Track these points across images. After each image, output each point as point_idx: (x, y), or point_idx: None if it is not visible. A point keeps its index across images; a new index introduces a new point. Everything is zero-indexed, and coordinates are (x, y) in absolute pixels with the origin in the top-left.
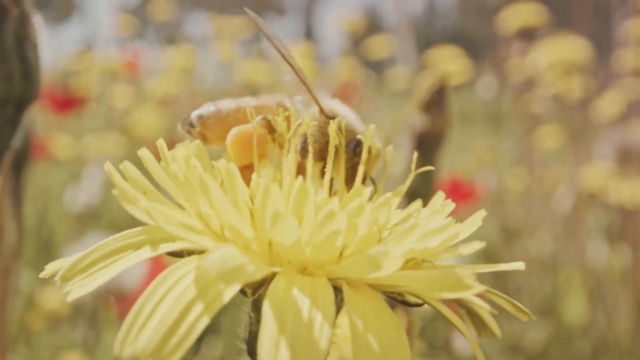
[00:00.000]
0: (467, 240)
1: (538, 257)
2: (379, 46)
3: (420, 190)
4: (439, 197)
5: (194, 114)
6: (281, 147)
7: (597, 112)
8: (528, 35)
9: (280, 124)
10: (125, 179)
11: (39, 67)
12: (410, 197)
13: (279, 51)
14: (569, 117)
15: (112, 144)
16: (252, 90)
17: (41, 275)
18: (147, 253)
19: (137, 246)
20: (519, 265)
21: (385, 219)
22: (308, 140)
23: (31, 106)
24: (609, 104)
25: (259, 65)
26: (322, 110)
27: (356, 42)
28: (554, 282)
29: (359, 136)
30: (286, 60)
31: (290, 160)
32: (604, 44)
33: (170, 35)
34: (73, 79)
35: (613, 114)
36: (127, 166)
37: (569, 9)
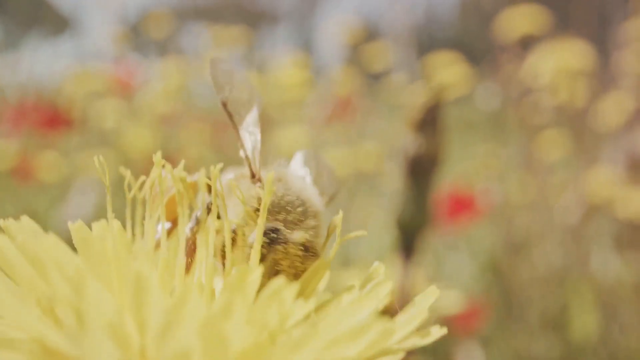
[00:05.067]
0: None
1: (544, 270)
2: (377, 55)
3: (415, 221)
4: (378, 269)
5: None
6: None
7: (601, 119)
8: (529, 40)
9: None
10: None
11: None
12: (404, 228)
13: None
14: (572, 124)
15: (103, 163)
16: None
17: None
18: None
19: None
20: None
21: (280, 319)
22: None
23: None
24: (613, 110)
25: (256, 79)
26: (253, 174)
27: (354, 50)
28: (562, 296)
29: (278, 225)
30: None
31: (180, 232)
32: (603, 46)
33: (165, 48)
34: (64, 96)
35: (618, 121)
36: None
37: (567, 10)
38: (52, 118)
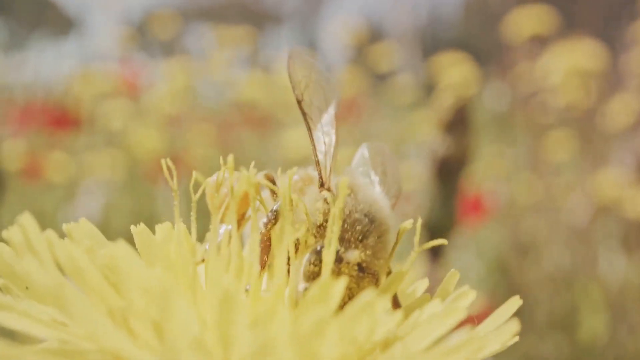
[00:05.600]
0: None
1: (552, 271)
2: (382, 55)
3: (442, 223)
4: (452, 277)
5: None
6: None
7: (608, 119)
8: (537, 40)
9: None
10: None
11: None
12: (431, 231)
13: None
14: (580, 125)
15: (110, 164)
16: (253, 105)
17: None
18: None
19: None
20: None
21: (367, 333)
22: (271, 218)
23: None
24: (621, 111)
25: (261, 80)
26: (322, 182)
27: (358, 51)
28: (569, 297)
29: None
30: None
31: (253, 243)
32: (610, 47)
33: (170, 48)
34: (71, 96)
35: (626, 122)
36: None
37: (574, 10)
38: (59, 118)
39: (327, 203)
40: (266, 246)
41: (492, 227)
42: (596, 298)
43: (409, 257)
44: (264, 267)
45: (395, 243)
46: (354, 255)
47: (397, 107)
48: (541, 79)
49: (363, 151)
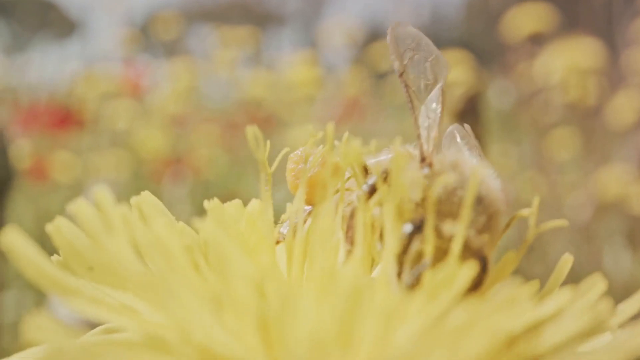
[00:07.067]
0: None
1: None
2: (383, 54)
3: None
4: (566, 263)
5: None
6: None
7: (611, 117)
8: (537, 39)
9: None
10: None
11: None
12: None
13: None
14: (583, 123)
15: (115, 164)
16: (257, 104)
17: None
18: None
19: None
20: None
21: (514, 327)
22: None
23: None
24: (624, 108)
25: (265, 79)
26: (423, 157)
27: (360, 50)
28: None
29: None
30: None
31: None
32: (611, 44)
33: (173, 49)
34: (75, 97)
35: (628, 119)
36: (62, 226)
37: (574, 8)
38: (63, 119)
39: (428, 178)
40: (349, 230)
41: None
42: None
43: (522, 244)
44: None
45: (505, 228)
46: (450, 228)
47: (399, 106)
48: (543, 78)
49: (452, 131)
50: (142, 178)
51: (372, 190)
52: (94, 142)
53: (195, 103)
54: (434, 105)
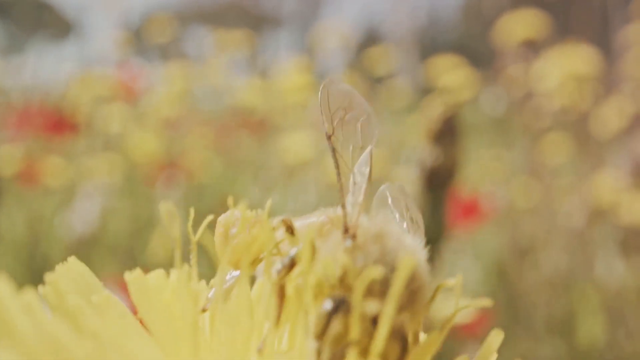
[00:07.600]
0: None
1: (550, 274)
2: (379, 58)
3: (431, 233)
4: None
5: None
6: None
7: (604, 123)
8: (531, 44)
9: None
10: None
11: None
12: None
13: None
14: (576, 128)
15: (108, 168)
16: (251, 109)
17: None
18: None
19: None
20: None
21: None
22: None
23: None
24: (617, 115)
25: (260, 84)
26: (346, 229)
27: (356, 54)
28: (567, 300)
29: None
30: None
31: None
32: (604, 51)
33: (168, 52)
34: (69, 100)
35: (622, 125)
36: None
37: (568, 14)
38: (57, 122)
39: (350, 252)
40: (280, 297)
41: (490, 231)
42: (594, 301)
43: (446, 318)
44: (276, 322)
45: (429, 301)
46: (372, 307)
47: (394, 110)
48: (536, 83)
49: (384, 192)
50: (135, 182)
51: (292, 264)
52: (87, 145)
53: (189, 106)
54: (362, 169)
